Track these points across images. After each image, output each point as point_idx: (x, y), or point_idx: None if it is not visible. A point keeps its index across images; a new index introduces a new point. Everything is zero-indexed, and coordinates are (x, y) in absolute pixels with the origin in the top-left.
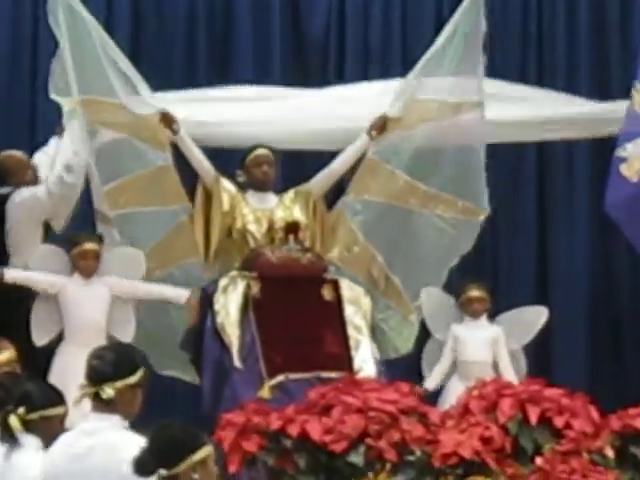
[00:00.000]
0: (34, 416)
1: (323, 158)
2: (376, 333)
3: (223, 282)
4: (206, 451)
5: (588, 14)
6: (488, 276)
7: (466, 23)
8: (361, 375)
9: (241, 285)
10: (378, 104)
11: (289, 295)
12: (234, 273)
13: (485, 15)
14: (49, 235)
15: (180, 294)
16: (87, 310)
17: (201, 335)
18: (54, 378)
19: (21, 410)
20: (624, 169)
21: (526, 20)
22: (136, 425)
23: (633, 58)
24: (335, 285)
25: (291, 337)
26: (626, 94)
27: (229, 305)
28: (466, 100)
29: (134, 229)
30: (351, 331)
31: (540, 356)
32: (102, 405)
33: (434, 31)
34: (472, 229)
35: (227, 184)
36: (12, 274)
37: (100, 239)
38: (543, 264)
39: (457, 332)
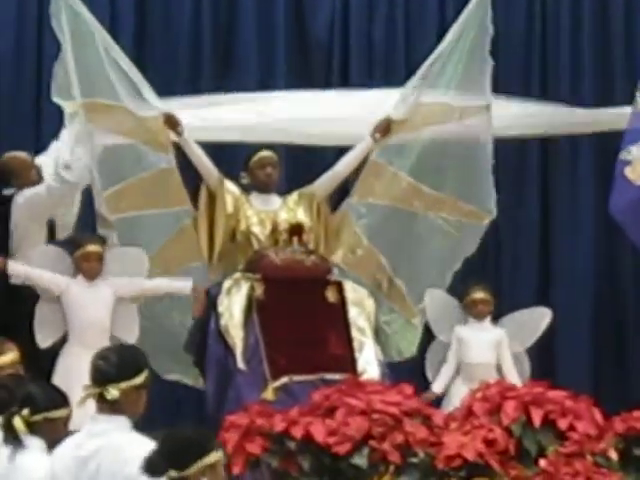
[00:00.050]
0: (38, 418)
1: (327, 160)
2: (380, 336)
3: (227, 284)
4: (217, 456)
5: (592, 22)
6: (491, 278)
7: (472, 25)
8: (365, 377)
9: (245, 287)
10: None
11: (293, 297)
12: (238, 275)
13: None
14: (53, 237)
15: (185, 284)
16: (91, 312)
17: (205, 337)
18: (58, 380)
19: (25, 412)
20: (629, 172)
21: (530, 28)
22: (140, 426)
23: (637, 66)
24: (339, 287)
25: (295, 339)
26: (630, 102)
27: (233, 307)
28: (472, 104)
29: (137, 233)
30: (355, 333)
31: (543, 358)
32: (107, 406)
33: (438, 30)
34: (476, 232)
35: (231, 186)
36: (15, 267)
37: (103, 241)
38: (546, 265)
39: (461, 334)
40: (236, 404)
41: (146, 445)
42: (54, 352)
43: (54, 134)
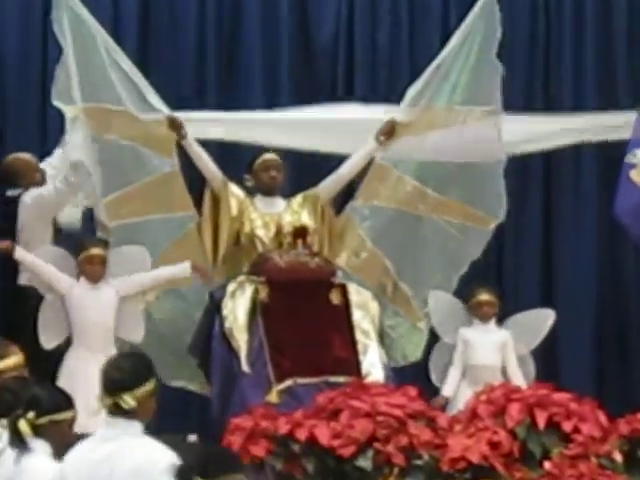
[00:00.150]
0: (43, 421)
1: (331, 163)
2: (385, 340)
3: (231, 287)
4: (242, 477)
5: (595, 23)
6: (494, 280)
7: (478, 29)
8: (369, 379)
9: (249, 290)
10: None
11: (297, 299)
12: (242, 278)
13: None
14: (58, 238)
15: (184, 266)
16: (94, 314)
17: (209, 340)
18: (62, 382)
19: (31, 415)
20: (634, 175)
21: (533, 30)
22: (146, 429)
23: None
24: (343, 289)
25: (299, 341)
26: (633, 104)
27: (237, 310)
28: (477, 108)
29: (140, 238)
30: (359, 335)
31: (547, 360)
32: (120, 411)
33: (441, 36)
34: (482, 236)
35: (235, 189)
36: (23, 254)
37: (106, 244)
38: (548, 268)
39: (466, 336)
40: (240, 407)
41: (158, 449)
42: (59, 354)
43: (59, 138)
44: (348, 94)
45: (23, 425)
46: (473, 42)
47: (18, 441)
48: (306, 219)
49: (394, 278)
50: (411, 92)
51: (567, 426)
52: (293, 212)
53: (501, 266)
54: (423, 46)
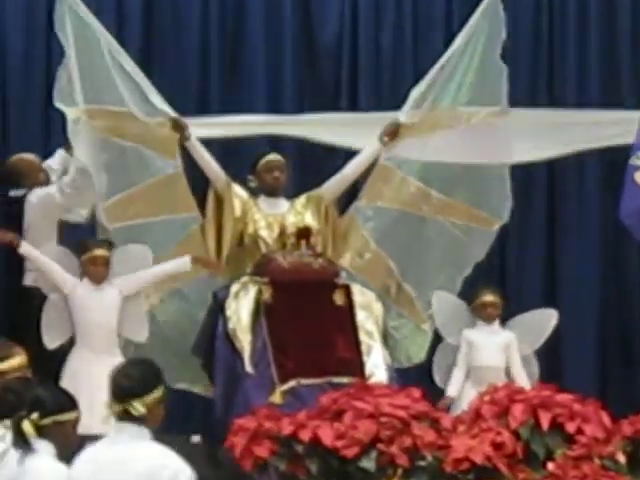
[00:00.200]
0: (47, 421)
1: (335, 163)
2: (388, 341)
3: (235, 288)
4: None
5: (599, 23)
6: (497, 281)
7: (482, 30)
8: (373, 380)
9: (253, 290)
10: None
11: (301, 300)
12: (246, 278)
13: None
14: (63, 239)
15: (184, 260)
16: (97, 315)
17: (213, 340)
18: (66, 382)
19: (34, 415)
20: (638, 177)
21: (537, 27)
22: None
23: None
24: (347, 290)
25: (303, 342)
26: (637, 103)
27: (241, 310)
28: (481, 109)
29: (144, 240)
30: (363, 336)
31: (550, 361)
32: (129, 418)
33: (445, 37)
34: (486, 237)
35: (239, 190)
36: (28, 248)
37: (110, 245)
38: (552, 269)
39: (471, 337)
40: (244, 407)
41: (167, 455)
42: (62, 354)
43: (62, 139)
44: (352, 95)
45: (27, 426)
46: (477, 43)
47: (22, 442)
48: (310, 220)
49: (398, 279)
50: (414, 93)
51: (570, 427)
52: (297, 213)
53: (504, 268)
54: (427, 46)
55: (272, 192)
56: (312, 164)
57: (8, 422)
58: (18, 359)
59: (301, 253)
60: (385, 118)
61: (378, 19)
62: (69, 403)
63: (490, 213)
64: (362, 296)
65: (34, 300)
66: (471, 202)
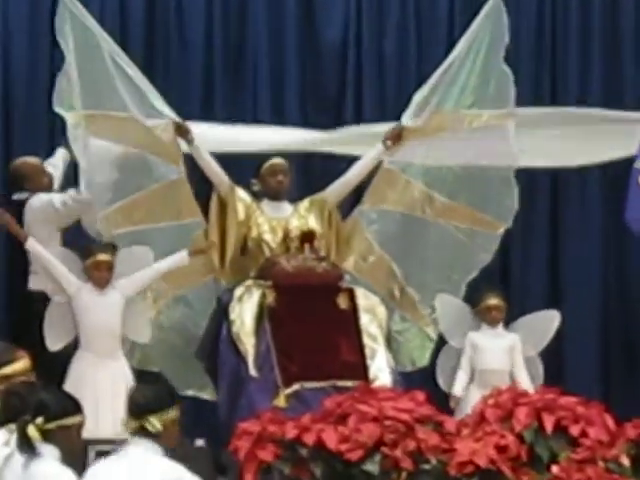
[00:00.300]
0: (52, 426)
1: (339, 167)
2: (392, 344)
3: (238, 291)
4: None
5: (602, 20)
6: (499, 284)
7: (485, 34)
8: (377, 384)
9: (256, 294)
10: None
11: (304, 304)
12: (249, 282)
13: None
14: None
15: (181, 255)
16: (101, 319)
17: (216, 344)
18: (70, 386)
19: (39, 420)
20: None
21: (540, 26)
22: None
23: None
24: (350, 294)
25: (306, 346)
26: (639, 101)
27: (244, 314)
28: (485, 112)
29: (148, 246)
30: (366, 340)
31: (553, 364)
32: (145, 434)
33: (448, 39)
34: (490, 241)
35: (242, 193)
36: (35, 245)
37: (114, 249)
38: (555, 271)
39: (476, 340)
40: (248, 411)
41: (177, 470)
42: (66, 357)
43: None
44: (356, 97)
45: (32, 430)
46: (480, 46)
47: (27, 446)
48: (313, 223)
49: (401, 283)
50: (417, 97)
51: (574, 430)
52: (300, 216)
53: (508, 271)
54: (431, 48)
55: (276, 196)
56: (315, 168)
57: (12, 426)
58: (22, 363)
59: (305, 257)
60: None
61: (381, 25)
62: (73, 407)
63: (494, 216)
64: (366, 300)
65: (38, 304)
66: (475, 205)
